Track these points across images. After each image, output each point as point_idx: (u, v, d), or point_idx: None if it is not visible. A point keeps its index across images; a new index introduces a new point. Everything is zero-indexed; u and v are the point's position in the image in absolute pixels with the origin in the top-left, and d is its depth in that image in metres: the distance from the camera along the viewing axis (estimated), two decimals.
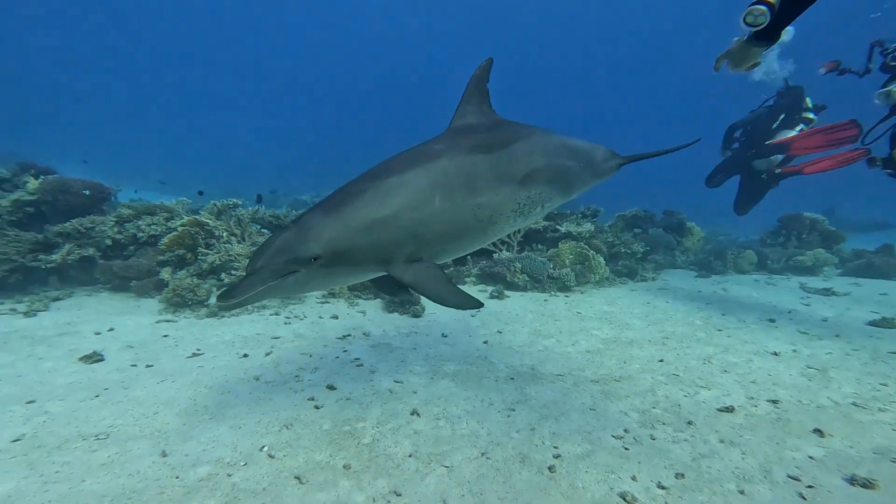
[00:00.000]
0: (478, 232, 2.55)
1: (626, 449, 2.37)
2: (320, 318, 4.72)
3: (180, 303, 4.73)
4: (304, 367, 3.41)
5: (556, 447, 2.38)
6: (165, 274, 5.36)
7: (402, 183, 2.33)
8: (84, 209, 5.58)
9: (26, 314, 4.12)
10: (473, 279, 6.52)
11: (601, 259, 6.82)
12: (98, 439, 2.31)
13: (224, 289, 2.05)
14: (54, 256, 4.75)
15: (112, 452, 2.21)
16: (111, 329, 3.99)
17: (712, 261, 8.89)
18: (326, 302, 5.30)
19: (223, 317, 4.60)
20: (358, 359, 3.58)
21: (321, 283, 2.36)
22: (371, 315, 4.87)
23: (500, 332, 4.41)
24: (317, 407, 2.77)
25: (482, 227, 2.53)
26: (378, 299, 5.39)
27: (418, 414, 2.68)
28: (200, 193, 10.70)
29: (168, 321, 4.36)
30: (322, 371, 3.34)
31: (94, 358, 3.32)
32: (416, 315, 4.78)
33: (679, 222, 9.60)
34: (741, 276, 8.51)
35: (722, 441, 2.50)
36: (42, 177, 5.57)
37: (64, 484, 1.94)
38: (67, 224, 5.03)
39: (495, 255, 6.68)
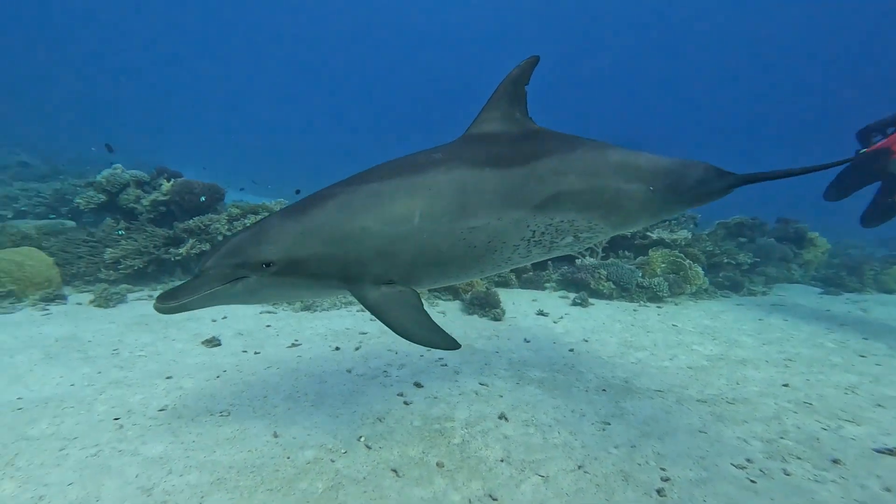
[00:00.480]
0: (470, 260, 2.17)
1: (753, 482, 2.13)
2: None
3: None
4: (391, 363, 3.55)
5: (663, 469, 2.20)
6: None
7: (378, 193, 2.07)
8: (204, 208, 6.36)
9: None
10: (553, 285, 6.33)
11: (699, 269, 6.24)
12: (222, 415, 2.60)
13: (167, 290, 1.91)
14: (181, 250, 5.47)
15: (234, 429, 2.47)
16: (224, 317, 4.49)
17: (844, 276, 7.72)
18: None
19: (316, 310, 4.96)
20: (441, 358, 3.64)
21: (273, 293, 2.15)
22: (451, 316, 4.93)
23: (587, 341, 4.22)
24: (406, 403, 2.86)
25: (476, 254, 2.15)
26: (458, 301, 5.45)
27: (506, 418, 2.65)
28: (297, 192, 11.59)
29: (269, 313, 4.80)
30: (408, 368, 3.44)
31: (214, 342, 3.75)
32: (497, 318, 4.75)
33: (797, 232, 8.50)
34: (886, 295, 7.28)
35: (888, 489, 2.13)
36: (172, 179, 6.47)
37: (200, 452, 2.21)
38: (191, 221, 5.78)
39: (578, 261, 6.42)
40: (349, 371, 3.34)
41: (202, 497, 1.90)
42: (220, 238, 6.21)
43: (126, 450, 2.19)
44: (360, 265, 2.03)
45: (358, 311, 5.03)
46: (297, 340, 3.99)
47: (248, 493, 1.95)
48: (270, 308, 4.95)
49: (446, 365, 3.51)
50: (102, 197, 6.31)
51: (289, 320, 4.58)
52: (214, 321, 4.37)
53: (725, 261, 7.10)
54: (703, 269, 6.37)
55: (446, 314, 4.98)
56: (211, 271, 1.90)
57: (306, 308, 4.96)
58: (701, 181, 2.66)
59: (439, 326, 1.99)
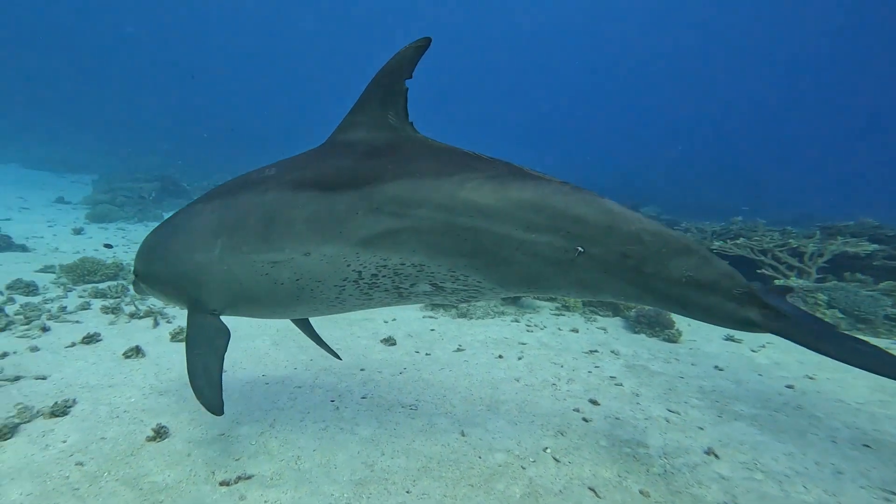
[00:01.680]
0: (284, 298, 1.88)
1: None
2: (559, 329, 4.80)
3: (436, 303, 5.60)
4: (558, 376, 3.50)
5: None
6: None
7: (194, 215, 1.95)
8: None
9: None
10: None
11: None
12: (412, 409, 2.89)
13: None
14: None
15: (424, 422, 2.72)
16: (394, 319, 5.01)
17: None
18: (561, 314, 5.36)
19: (472, 317, 5.20)
20: (614, 377, 3.46)
21: (160, 298, 2.26)
22: (614, 333, 4.66)
23: (813, 379, 3.55)
24: (585, 420, 2.78)
25: (288, 293, 1.85)
26: (618, 317, 5.14)
27: (716, 455, 2.38)
28: None
29: (430, 317, 5.20)
30: (578, 384, 3.35)
31: (390, 342, 4.21)
32: (671, 339, 4.33)
33: None
34: None
35: None
36: None
37: (401, 440, 2.49)
38: None
39: (779, 281, 5.46)
40: (517, 380, 3.40)
41: (414, 481, 2.13)
42: None
43: (345, 428, 2.59)
44: (181, 289, 1.99)
45: (512, 321, 5.11)
46: (460, 346, 4.23)
47: (452, 484, 2.12)
48: (430, 313, 5.36)
49: (621, 385, 3.32)
50: None
51: (449, 325, 4.89)
52: (386, 322, 4.91)
53: None
54: None
55: (607, 331, 4.73)
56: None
57: (463, 315, 5.24)
58: (699, 284, 1.63)
59: (219, 383, 1.83)
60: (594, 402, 3.01)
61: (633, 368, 3.66)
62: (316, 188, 1.75)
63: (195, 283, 1.94)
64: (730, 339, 4.41)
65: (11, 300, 4.36)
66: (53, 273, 5.40)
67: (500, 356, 3.96)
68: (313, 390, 3.08)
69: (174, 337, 3.68)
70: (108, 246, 6.97)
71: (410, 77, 1.78)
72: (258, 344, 3.84)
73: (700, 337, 4.40)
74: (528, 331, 4.77)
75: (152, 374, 3.06)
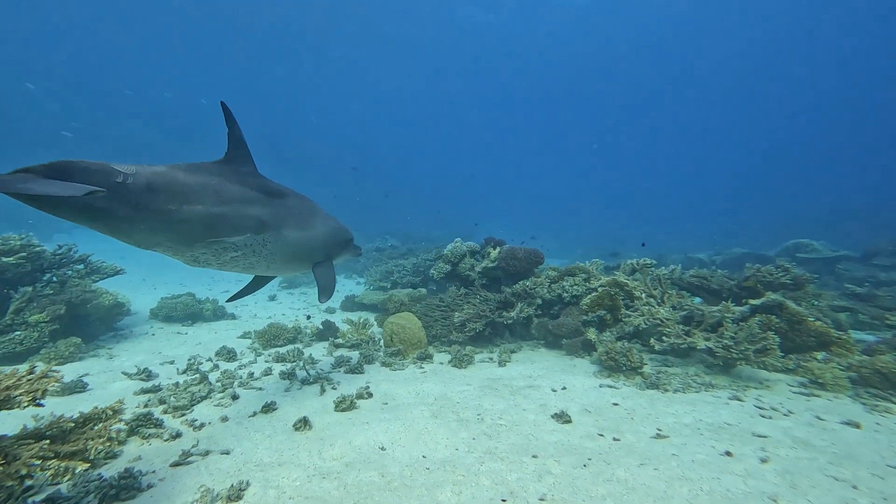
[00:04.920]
0: None
1: None
2: (818, 419, 3.43)
3: (614, 367, 4.69)
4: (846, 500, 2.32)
5: None
6: (591, 334, 5.59)
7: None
8: (524, 272, 6.82)
9: (500, 364, 5.15)
10: None
11: None
12: None
13: None
14: (511, 313, 5.90)
15: None
16: (564, 388, 4.30)
17: None
18: (813, 395, 3.90)
19: (667, 390, 4.14)
20: None
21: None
22: None
23: None
24: None
25: None
26: None
27: None
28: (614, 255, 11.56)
29: (610, 386, 4.32)
30: None
31: (564, 418, 3.52)
32: None
33: None
34: None
35: None
36: (498, 247, 7.32)
37: None
38: (517, 286, 6.23)
39: None
40: (775, 501, 2.34)
41: None
42: (538, 301, 6.46)
43: None
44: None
45: (731, 398, 3.90)
46: (660, 430, 3.29)
47: None
48: (609, 381, 4.48)
49: None
50: (448, 267, 7.74)
51: (638, 399, 3.96)
52: (555, 391, 4.24)
53: None
54: None
55: None
56: None
57: (654, 386, 4.23)
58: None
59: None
60: None
61: None
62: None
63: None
64: None
65: (217, 367, 5.11)
66: (250, 338, 6.34)
67: (728, 453, 2.90)
68: (479, 481, 2.60)
69: (338, 406, 3.71)
70: (308, 317, 8.07)
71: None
72: (416, 415, 3.60)
73: None
74: (762, 415, 3.52)
75: (317, 451, 3.01)
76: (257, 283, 3.83)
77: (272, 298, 10.51)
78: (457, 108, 62.65)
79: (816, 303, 5.71)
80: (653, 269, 6.75)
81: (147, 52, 41.59)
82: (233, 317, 8.13)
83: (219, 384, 4.34)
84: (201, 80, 47.35)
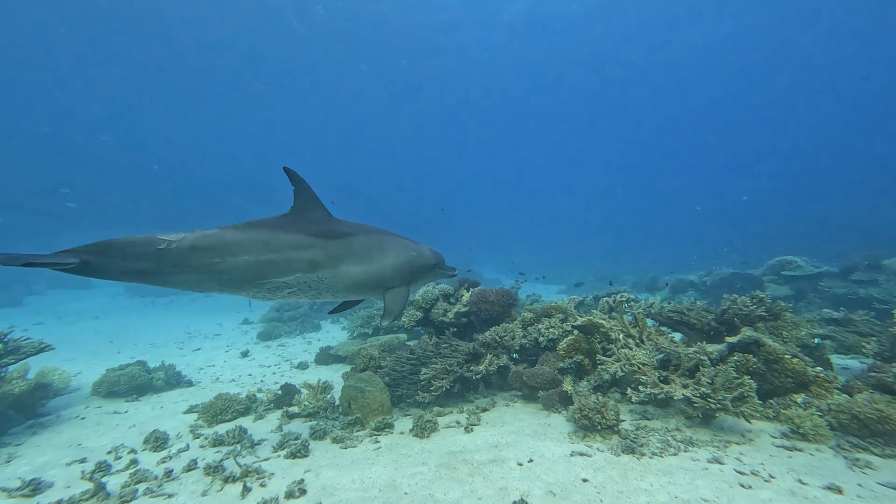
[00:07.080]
0: None
1: None
2: (801, 483, 3.05)
3: (588, 426, 4.31)
4: None
5: None
6: (567, 385, 5.23)
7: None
8: (498, 316, 6.49)
9: (466, 429, 4.75)
10: None
11: None
12: None
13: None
14: (480, 367, 5.54)
15: None
16: (530, 460, 3.91)
17: None
18: (796, 450, 3.52)
19: (643, 455, 3.76)
20: None
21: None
22: None
23: None
24: None
25: None
26: None
27: None
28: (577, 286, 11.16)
29: (581, 454, 3.94)
30: None
31: None
32: None
33: None
34: None
35: None
36: (471, 290, 7.01)
37: None
38: (487, 333, 5.89)
39: None
40: None
41: None
42: (515, 348, 6.10)
43: None
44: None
45: (710, 460, 3.52)
46: None
47: None
48: (583, 446, 4.09)
49: None
50: (420, 314, 7.38)
51: (610, 471, 3.57)
52: (520, 465, 3.85)
53: None
54: None
55: None
56: None
57: (629, 450, 3.85)
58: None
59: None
60: None
61: None
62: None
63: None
64: None
65: (135, 462, 4.44)
66: (196, 412, 5.89)
67: None
68: None
69: None
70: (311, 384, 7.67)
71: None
72: None
73: None
74: (741, 484, 3.14)
75: None
76: (348, 302, 4.31)
77: (244, 355, 10.10)
78: (461, 133, 64.12)
79: (818, 341, 5.39)
80: (632, 303, 6.44)
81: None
82: (189, 384, 7.67)
83: (118, 494, 3.67)
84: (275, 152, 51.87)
